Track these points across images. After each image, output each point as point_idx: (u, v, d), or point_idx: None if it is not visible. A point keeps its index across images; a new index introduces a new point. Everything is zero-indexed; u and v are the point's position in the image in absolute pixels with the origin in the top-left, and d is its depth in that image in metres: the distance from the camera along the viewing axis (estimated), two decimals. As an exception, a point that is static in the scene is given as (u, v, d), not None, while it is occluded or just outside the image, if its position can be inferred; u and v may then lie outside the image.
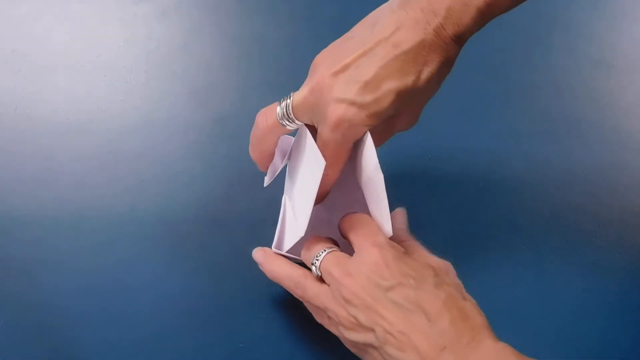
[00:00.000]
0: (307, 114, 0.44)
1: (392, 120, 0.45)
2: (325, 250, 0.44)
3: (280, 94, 0.57)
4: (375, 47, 0.42)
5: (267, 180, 0.50)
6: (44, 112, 0.56)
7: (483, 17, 0.42)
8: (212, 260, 0.51)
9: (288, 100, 0.45)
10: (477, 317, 0.40)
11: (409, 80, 0.42)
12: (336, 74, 0.42)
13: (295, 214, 0.48)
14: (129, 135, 0.56)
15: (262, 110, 0.46)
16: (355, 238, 0.44)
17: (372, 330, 0.40)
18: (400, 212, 0.48)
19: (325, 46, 0.52)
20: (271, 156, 0.49)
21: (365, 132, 0.44)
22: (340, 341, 0.45)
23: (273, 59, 0.61)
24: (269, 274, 0.47)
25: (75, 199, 0.52)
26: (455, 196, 0.55)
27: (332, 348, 0.48)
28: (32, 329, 0.48)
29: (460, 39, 0.43)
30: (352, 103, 0.42)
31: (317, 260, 0.44)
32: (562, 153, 0.58)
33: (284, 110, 0.45)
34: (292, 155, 0.50)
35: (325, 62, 0.44)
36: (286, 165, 0.51)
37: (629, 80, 0.62)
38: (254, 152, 0.48)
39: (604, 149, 0.58)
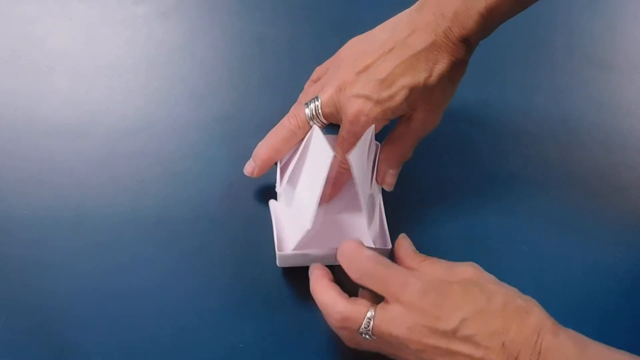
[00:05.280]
0: (333, 112, 0.48)
1: (409, 120, 0.48)
2: (370, 315, 0.42)
3: (280, 94, 0.57)
4: (393, 48, 0.46)
5: (279, 186, 0.51)
6: (44, 112, 0.56)
7: (485, 21, 0.45)
8: (212, 260, 0.51)
9: (316, 102, 0.48)
10: (533, 309, 0.41)
11: (420, 77, 0.46)
12: (359, 73, 0.46)
13: (300, 210, 0.48)
14: (129, 135, 0.56)
15: (291, 113, 0.50)
16: (385, 289, 0.43)
17: None
18: (404, 237, 0.48)
19: (325, 46, 0.53)
20: (274, 161, 0.51)
21: (382, 126, 0.47)
22: (340, 340, 0.45)
23: (273, 59, 0.61)
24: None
25: (75, 199, 0.52)
26: (455, 196, 0.55)
27: (332, 348, 0.48)
28: (32, 328, 0.48)
29: (467, 41, 0.46)
30: (369, 98, 0.46)
31: (368, 329, 0.42)
32: (562, 153, 0.58)
33: (313, 111, 0.48)
34: (297, 159, 0.50)
35: (349, 62, 0.48)
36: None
37: (629, 80, 0.62)
38: (270, 152, 0.50)
39: (604, 148, 0.58)
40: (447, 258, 0.52)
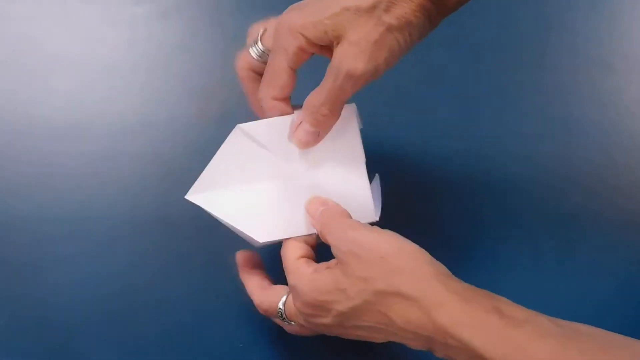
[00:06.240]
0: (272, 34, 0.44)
1: (332, 55, 0.41)
2: (281, 304, 0.43)
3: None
4: None
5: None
6: (44, 112, 0.56)
7: None
8: (212, 260, 0.51)
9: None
10: (405, 291, 0.37)
11: (366, 3, 0.39)
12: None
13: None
14: (129, 135, 0.56)
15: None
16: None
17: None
18: (293, 240, 0.44)
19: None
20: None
21: (306, 53, 0.42)
22: (340, 342, 0.45)
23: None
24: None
25: (75, 199, 0.52)
26: (455, 196, 0.55)
27: (332, 348, 0.48)
28: (32, 328, 0.48)
29: None
30: (298, 9, 0.42)
31: (285, 318, 0.43)
32: (561, 153, 0.58)
33: (257, 43, 0.45)
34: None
35: None
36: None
37: (629, 80, 0.62)
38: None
39: (604, 148, 0.58)
40: (446, 258, 0.52)
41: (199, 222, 0.52)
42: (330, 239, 0.41)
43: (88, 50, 0.59)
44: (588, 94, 0.61)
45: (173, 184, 0.54)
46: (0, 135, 0.55)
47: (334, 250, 0.40)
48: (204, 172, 0.45)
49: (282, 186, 0.45)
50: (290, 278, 0.42)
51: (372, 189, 0.46)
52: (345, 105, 0.44)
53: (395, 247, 0.39)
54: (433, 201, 0.55)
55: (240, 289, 0.50)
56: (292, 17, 0.42)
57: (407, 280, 0.37)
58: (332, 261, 0.41)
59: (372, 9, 0.40)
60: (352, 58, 0.39)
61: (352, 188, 0.44)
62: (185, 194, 0.53)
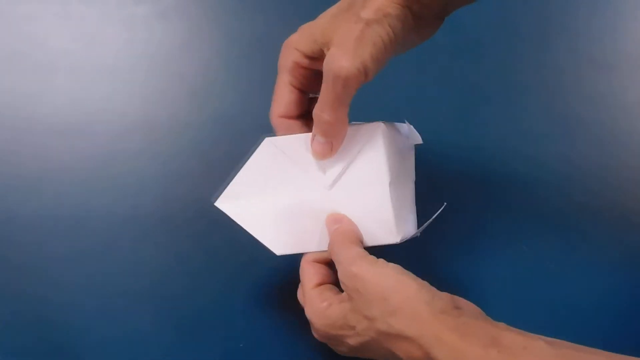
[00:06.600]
0: None
1: (329, 52, 0.41)
2: None
3: (280, 93, 0.57)
4: None
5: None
6: (44, 112, 0.56)
7: None
8: (212, 260, 0.51)
9: None
10: (403, 330, 0.38)
11: (344, 4, 0.41)
12: None
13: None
14: (129, 135, 0.56)
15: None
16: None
17: None
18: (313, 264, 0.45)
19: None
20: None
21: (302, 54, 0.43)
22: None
23: (273, 59, 0.60)
24: None
25: (75, 199, 0.53)
26: (455, 196, 0.55)
27: (332, 349, 0.48)
28: (34, 328, 0.48)
29: None
30: (299, 29, 0.44)
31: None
32: (562, 153, 0.58)
33: None
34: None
35: None
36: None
37: (629, 80, 0.62)
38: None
39: (604, 148, 0.58)
40: (446, 258, 0.52)
41: (199, 221, 0.52)
42: (338, 270, 0.42)
43: (88, 50, 0.59)
44: (589, 94, 0.61)
45: (173, 184, 0.54)
46: (1, 134, 0.55)
47: (341, 284, 0.42)
48: (233, 180, 0.45)
49: (305, 201, 0.45)
50: (306, 310, 0.43)
51: (410, 212, 0.47)
52: (370, 124, 0.45)
53: (396, 285, 0.39)
54: (433, 201, 0.55)
55: (241, 289, 0.50)
56: (291, 36, 0.44)
57: (405, 321, 0.38)
58: (344, 294, 0.42)
59: (350, 7, 0.41)
60: (336, 59, 0.39)
61: (373, 208, 0.45)
62: (186, 192, 0.53)
